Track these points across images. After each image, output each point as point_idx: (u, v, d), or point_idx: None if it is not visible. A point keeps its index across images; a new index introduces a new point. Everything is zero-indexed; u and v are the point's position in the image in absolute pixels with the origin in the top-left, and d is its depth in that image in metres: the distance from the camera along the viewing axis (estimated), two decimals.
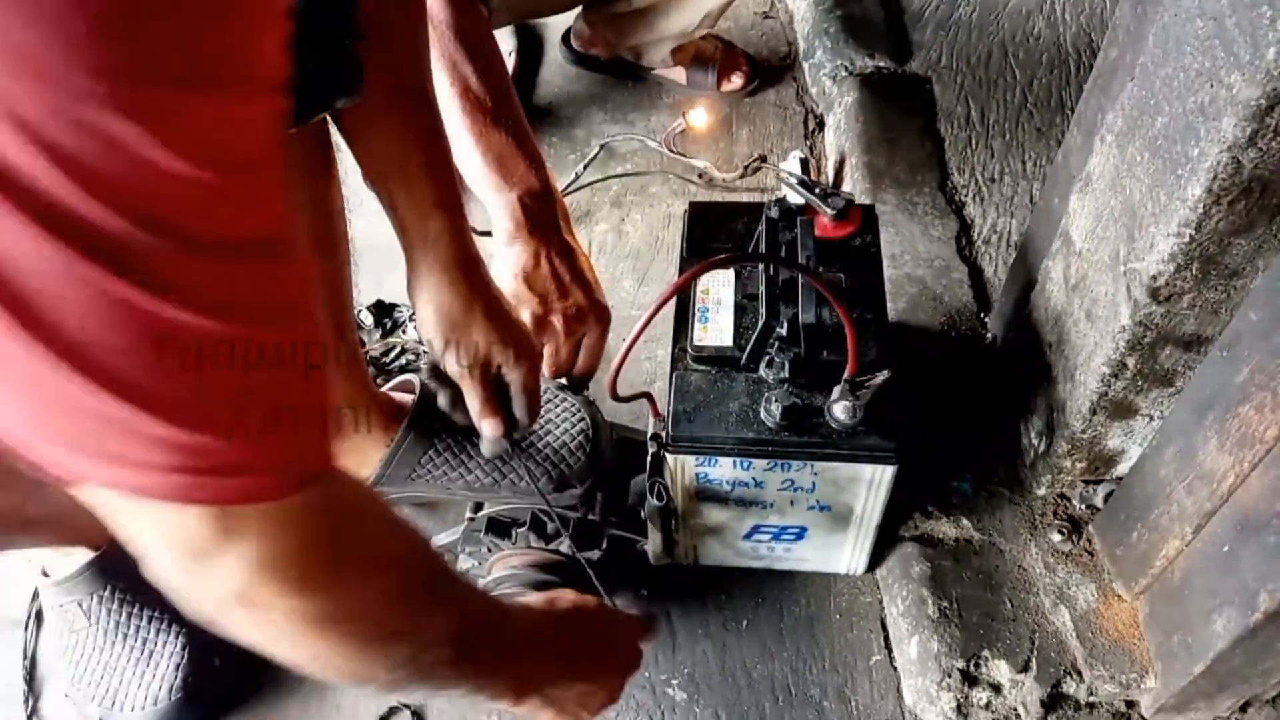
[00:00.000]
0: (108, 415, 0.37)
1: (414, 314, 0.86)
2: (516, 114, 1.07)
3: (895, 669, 1.03)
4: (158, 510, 0.42)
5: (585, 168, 1.54)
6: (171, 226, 0.35)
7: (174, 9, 0.33)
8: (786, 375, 0.90)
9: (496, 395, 0.90)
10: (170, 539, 0.44)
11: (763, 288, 0.93)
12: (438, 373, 0.91)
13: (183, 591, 0.47)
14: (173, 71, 0.33)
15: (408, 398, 1.06)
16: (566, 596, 0.78)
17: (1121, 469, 1.02)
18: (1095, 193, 0.90)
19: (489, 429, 0.89)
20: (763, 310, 0.92)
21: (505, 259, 1.08)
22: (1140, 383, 0.90)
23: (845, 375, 0.85)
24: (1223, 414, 0.78)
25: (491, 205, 1.08)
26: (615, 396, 0.82)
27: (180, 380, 0.38)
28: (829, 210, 1.02)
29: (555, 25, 1.78)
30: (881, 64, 1.61)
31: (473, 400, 0.88)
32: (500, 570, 0.99)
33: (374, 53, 0.72)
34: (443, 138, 0.83)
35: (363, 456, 1.04)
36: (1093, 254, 0.91)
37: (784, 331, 0.91)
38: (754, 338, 0.92)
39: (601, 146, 1.57)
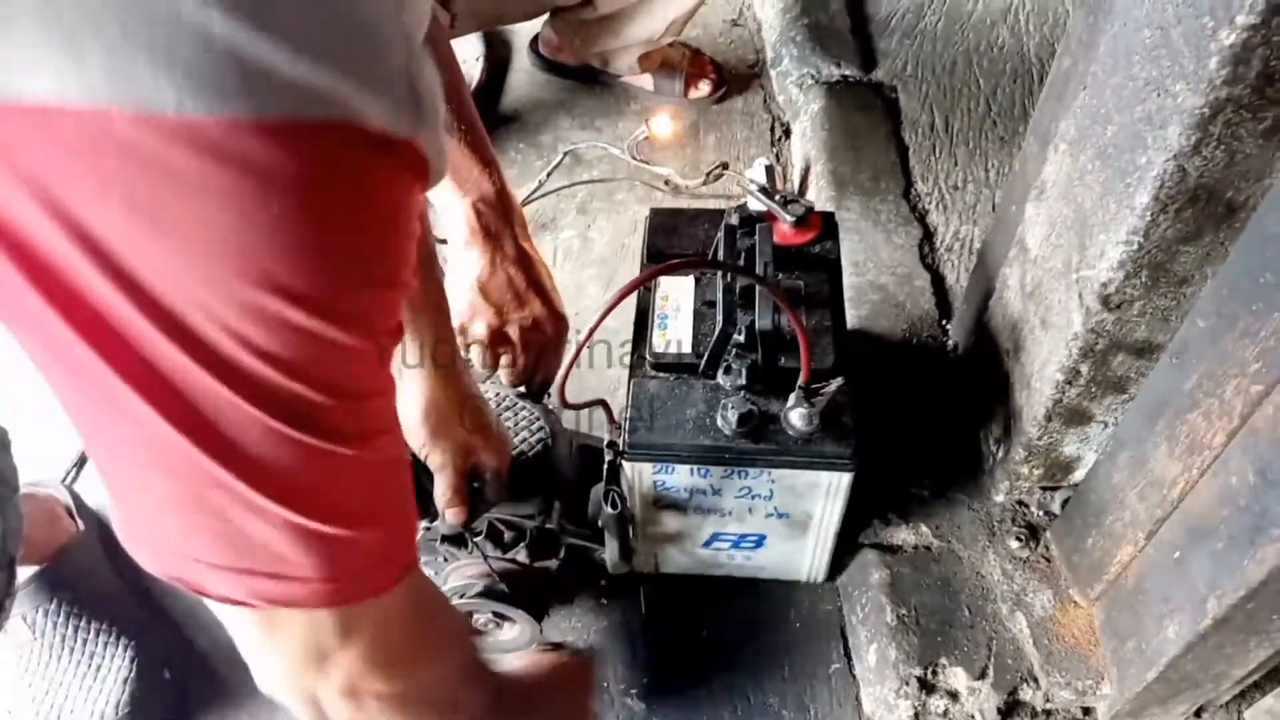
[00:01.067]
0: (275, 530, 0.45)
1: None
2: (471, 119, 1.06)
3: (854, 677, 1.03)
4: (288, 619, 0.50)
5: (549, 174, 1.54)
6: (337, 386, 0.44)
7: (355, 232, 0.42)
8: (744, 382, 0.90)
9: (466, 485, 0.91)
10: (293, 645, 0.51)
11: (720, 294, 0.93)
12: None
13: (292, 691, 0.54)
14: (354, 278, 0.43)
15: None
16: (529, 666, 0.84)
17: (1078, 476, 1.02)
18: (1049, 200, 0.90)
19: (453, 516, 0.91)
20: (720, 317, 0.92)
21: (461, 267, 1.07)
22: (1094, 389, 0.90)
23: (799, 382, 0.85)
24: (1172, 421, 0.78)
25: (446, 212, 1.07)
26: (565, 404, 0.81)
27: (332, 495, 0.46)
28: (789, 217, 1.02)
29: (523, 31, 1.77)
30: (847, 72, 1.62)
31: (445, 490, 0.90)
32: (456, 580, 0.97)
33: None
34: (431, 237, 0.86)
35: None
36: (1047, 261, 0.91)
37: (742, 338, 0.91)
38: (712, 344, 0.92)
39: (566, 153, 1.57)
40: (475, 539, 0.95)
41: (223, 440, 0.42)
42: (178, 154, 0.35)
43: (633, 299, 1.00)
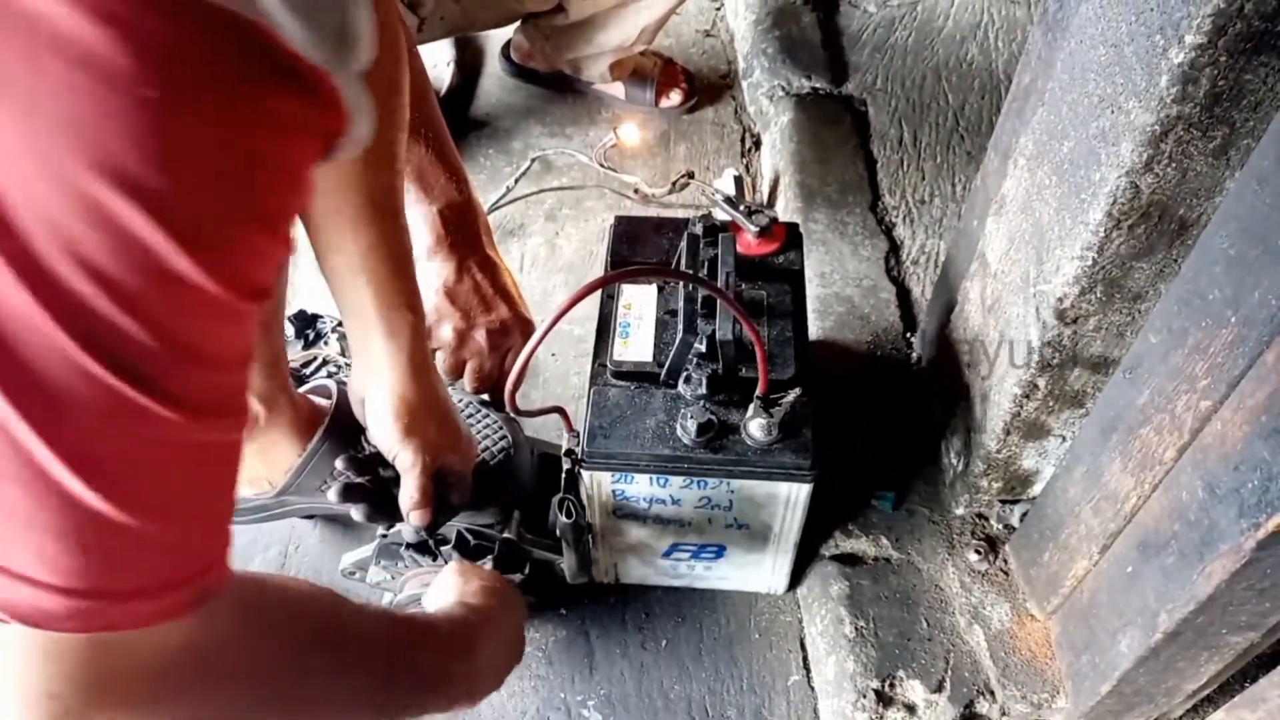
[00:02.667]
0: (47, 504, 0.35)
1: (365, 410, 0.88)
2: (438, 126, 1.05)
3: (813, 689, 1.03)
4: (15, 640, 0.37)
5: (518, 180, 1.53)
6: (174, 335, 0.36)
7: (235, 148, 0.35)
8: (704, 392, 0.90)
9: (433, 487, 0.89)
10: (39, 684, 0.38)
11: (682, 303, 0.93)
12: (356, 461, 0.90)
13: None
14: (222, 200, 0.36)
15: (326, 403, 1.03)
16: (448, 593, 0.80)
17: (1037, 489, 1.02)
18: (1009, 215, 0.91)
19: (418, 519, 0.88)
20: (681, 326, 0.91)
21: (426, 274, 1.07)
22: (1051, 404, 0.91)
23: (757, 393, 0.85)
24: (1126, 435, 0.78)
25: (412, 219, 1.05)
26: (516, 410, 0.80)
27: (133, 468, 0.37)
28: (753, 227, 1.02)
29: (495, 37, 1.77)
30: (818, 85, 1.63)
31: (413, 491, 0.87)
32: (414, 587, 0.96)
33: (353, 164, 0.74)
34: (408, 238, 0.84)
35: (275, 462, 1.01)
36: (1006, 275, 0.92)
37: (703, 348, 0.91)
38: (673, 353, 0.91)
39: (534, 159, 1.56)
40: (442, 548, 0.94)
41: (14, 368, 0.33)
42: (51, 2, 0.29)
43: (595, 307, 1.00)
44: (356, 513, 0.91)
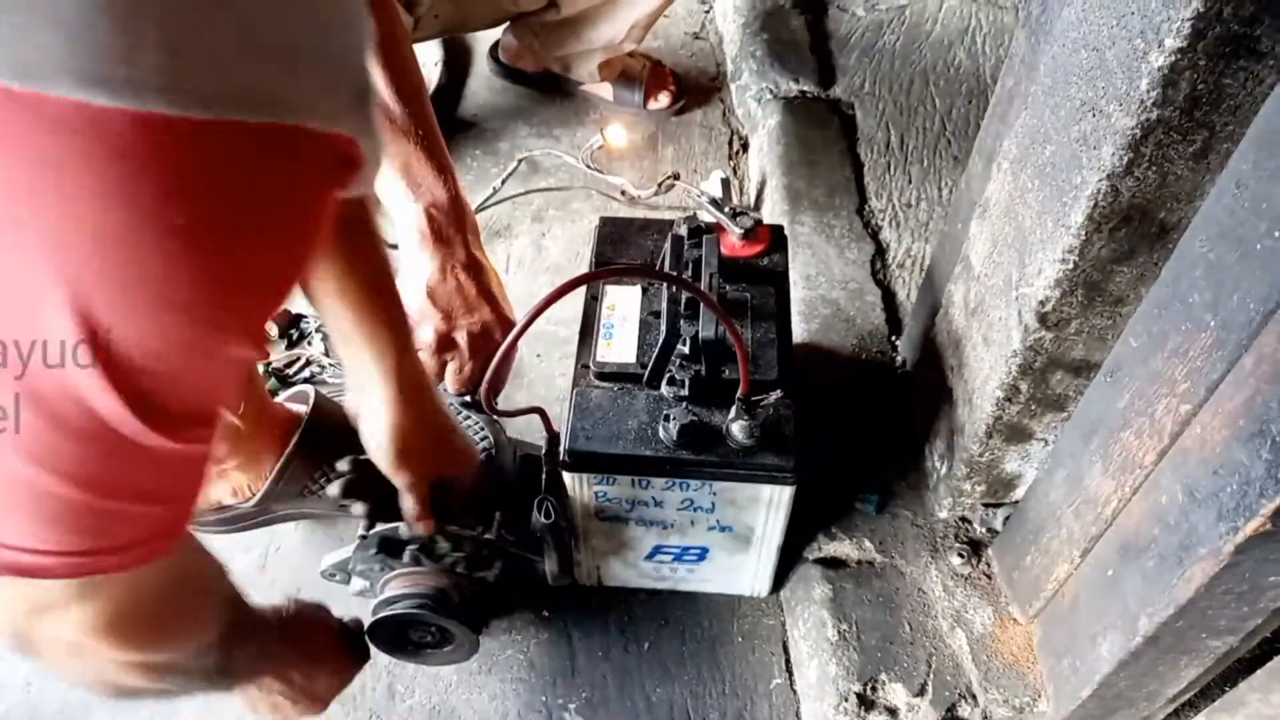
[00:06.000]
0: (53, 503, 0.42)
1: (359, 430, 0.88)
2: (428, 125, 1.05)
3: (795, 692, 1.02)
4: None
5: (504, 181, 1.52)
6: (197, 388, 0.43)
7: (269, 241, 0.41)
8: (687, 393, 0.89)
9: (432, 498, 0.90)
10: (15, 599, 0.48)
11: (665, 305, 0.93)
12: (358, 462, 0.90)
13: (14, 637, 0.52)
14: (257, 288, 0.42)
15: (303, 408, 1.03)
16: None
17: (1019, 493, 1.02)
18: (992, 218, 0.91)
19: (423, 530, 0.90)
20: (664, 327, 0.91)
21: (410, 272, 1.06)
22: (1033, 407, 0.91)
23: (739, 394, 0.85)
24: (1106, 439, 0.78)
25: (398, 216, 1.05)
26: (493, 410, 0.79)
27: (132, 477, 0.44)
28: (737, 229, 1.01)
29: (483, 38, 1.76)
30: (806, 88, 1.63)
31: (413, 506, 0.88)
32: (394, 590, 0.95)
33: None
34: (382, 252, 0.83)
35: (256, 471, 1.01)
36: (989, 279, 0.92)
37: (686, 349, 0.90)
38: (655, 355, 0.91)
39: (521, 160, 1.56)
40: (411, 548, 0.94)
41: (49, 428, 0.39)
42: (73, 141, 0.32)
43: (580, 308, 1.00)
44: (357, 509, 0.91)
